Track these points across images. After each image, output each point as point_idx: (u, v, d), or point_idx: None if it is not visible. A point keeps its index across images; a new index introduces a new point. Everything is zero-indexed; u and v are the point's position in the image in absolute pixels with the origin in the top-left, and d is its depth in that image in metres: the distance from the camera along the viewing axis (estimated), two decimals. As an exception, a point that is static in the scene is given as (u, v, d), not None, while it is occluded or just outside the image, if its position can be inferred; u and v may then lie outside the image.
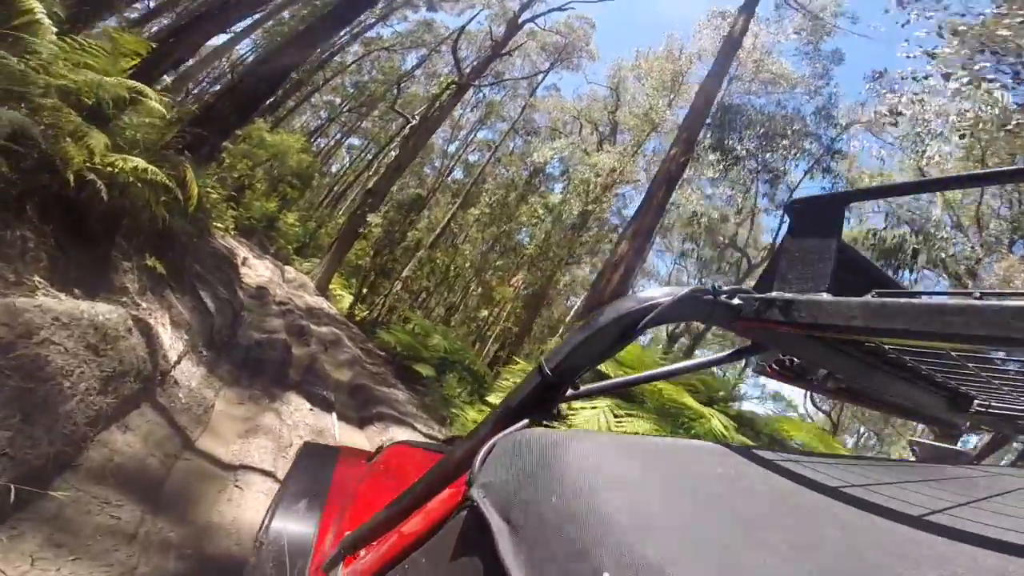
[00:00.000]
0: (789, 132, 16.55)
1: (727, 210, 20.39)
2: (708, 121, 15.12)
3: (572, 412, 6.51)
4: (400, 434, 6.31)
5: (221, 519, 3.73)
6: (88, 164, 4.27)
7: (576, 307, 28.53)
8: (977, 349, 0.66)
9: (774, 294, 0.63)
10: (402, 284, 22.91)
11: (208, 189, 10.34)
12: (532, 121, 32.50)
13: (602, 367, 6.82)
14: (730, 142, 16.46)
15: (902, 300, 0.52)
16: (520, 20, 27.10)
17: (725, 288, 0.65)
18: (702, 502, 0.50)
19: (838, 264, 0.64)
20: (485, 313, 26.75)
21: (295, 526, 1.57)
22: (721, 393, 8.37)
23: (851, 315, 0.55)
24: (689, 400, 6.92)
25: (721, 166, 16.75)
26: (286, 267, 19.91)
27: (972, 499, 0.76)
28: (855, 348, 0.72)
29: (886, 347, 0.70)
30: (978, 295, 0.49)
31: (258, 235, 22.23)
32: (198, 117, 8.43)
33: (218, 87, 21.44)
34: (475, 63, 27.66)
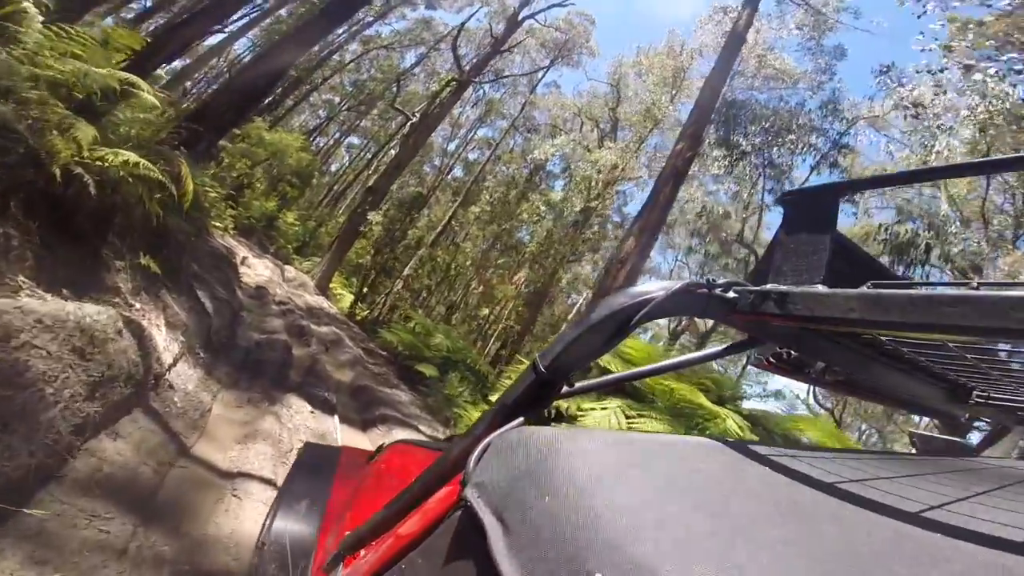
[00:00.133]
0: (794, 127, 16.34)
1: (733, 206, 20.23)
2: (713, 117, 14.92)
3: (582, 413, 6.36)
4: (403, 436, 6.14)
5: (218, 531, 3.54)
6: (76, 158, 4.08)
7: (579, 305, 28.47)
8: (975, 340, 0.65)
9: (769, 286, 0.62)
10: (403, 283, 22.76)
11: (206, 188, 10.16)
12: (532, 118, 32.45)
13: (603, 362, 6.64)
14: (735, 137, 16.26)
15: (899, 291, 0.51)
16: (520, 17, 27.01)
17: (720, 281, 0.64)
18: (697, 499, 0.48)
19: (833, 255, 0.64)
20: (486, 311, 26.65)
21: (297, 527, 1.58)
22: (731, 392, 8.19)
23: (847, 307, 0.54)
24: (703, 399, 6.76)
25: (727, 161, 16.56)
26: (286, 266, 19.71)
27: (972, 493, 0.75)
28: (852, 340, 0.71)
29: (883, 339, 0.70)
30: (976, 285, 0.50)
31: (257, 234, 22.05)
32: (194, 113, 8.23)
33: (216, 86, 21.28)
34: (475, 60, 27.50)
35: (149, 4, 17.70)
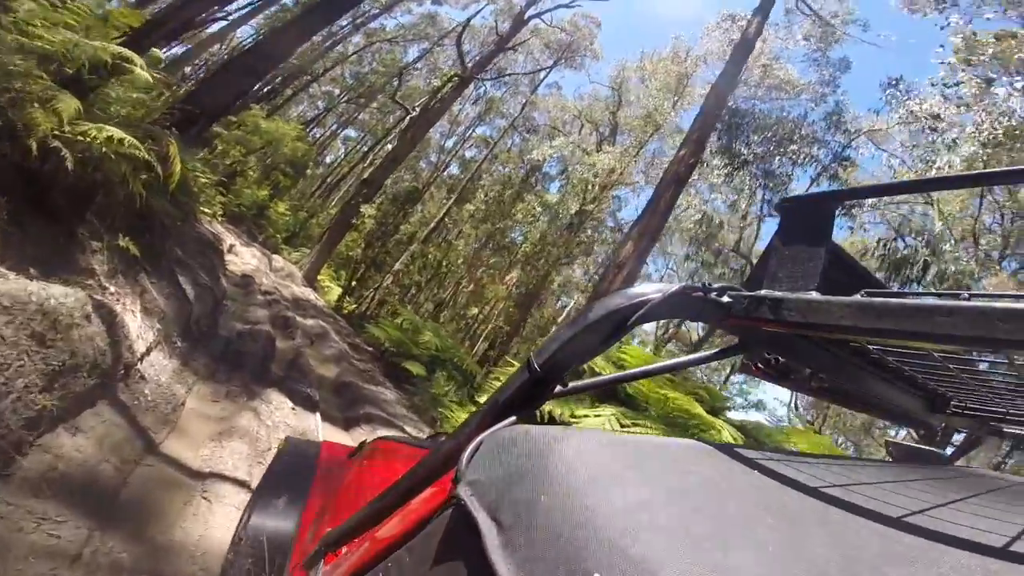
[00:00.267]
0: (797, 137, 16.27)
1: (728, 216, 20.13)
2: (716, 124, 14.81)
3: (576, 420, 6.19)
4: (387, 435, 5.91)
5: (185, 537, 3.30)
6: (56, 132, 3.81)
7: (569, 308, 28.35)
8: (959, 351, 0.68)
9: (764, 292, 0.63)
10: (393, 278, 22.51)
11: (197, 173, 9.86)
12: (532, 119, 32.43)
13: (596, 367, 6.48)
14: (737, 146, 16.16)
15: (891, 300, 0.52)
16: (526, 16, 26.84)
17: (715, 285, 0.64)
18: (690, 501, 0.49)
19: (828, 264, 0.64)
20: (475, 311, 26.50)
21: (275, 522, 1.55)
22: (727, 403, 8.06)
23: (840, 314, 0.54)
24: (699, 410, 6.63)
25: (727, 170, 16.46)
26: (274, 256, 19.35)
27: (950, 499, 0.77)
28: (841, 348, 0.72)
29: (870, 347, 0.72)
30: (966, 296, 0.50)
31: (247, 223, 21.67)
32: (190, 95, 7.96)
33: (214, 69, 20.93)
34: (478, 57, 27.30)
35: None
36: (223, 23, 21.22)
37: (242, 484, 3.90)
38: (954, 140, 10.82)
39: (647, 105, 25.21)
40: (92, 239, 4.42)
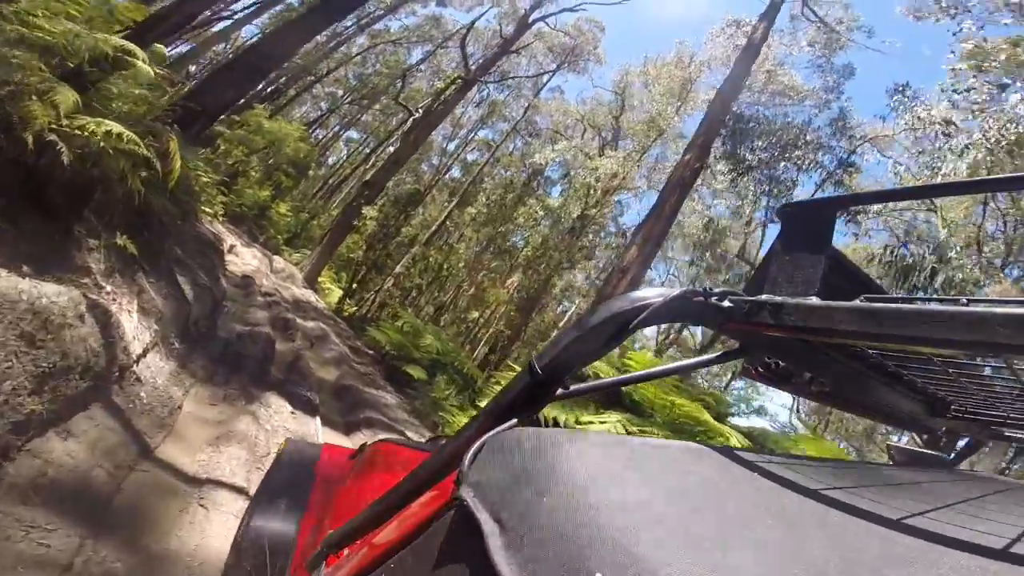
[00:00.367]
0: (801, 143, 16.18)
1: (734, 221, 20.05)
2: (721, 130, 14.73)
3: (581, 427, 6.06)
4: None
5: (180, 546, 3.19)
6: (53, 125, 3.71)
7: (570, 313, 28.22)
8: (958, 355, 0.69)
9: (764, 297, 0.63)
10: (394, 280, 22.40)
11: (199, 172, 9.75)
12: (534, 123, 32.34)
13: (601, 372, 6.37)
14: (742, 151, 16.07)
15: (891, 305, 0.52)
16: (530, 19, 26.80)
17: (716, 290, 0.65)
18: (690, 501, 0.49)
19: (828, 269, 0.65)
20: (476, 314, 26.40)
21: (276, 524, 1.55)
22: (731, 408, 7.95)
23: (840, 319, 0.55)
24: (706, 416, 6.52)
25: (732, 175, 16.37)
26: (275, 257, 19.22)
27: (951, 502, 0.77)
28: (841, 352, 0.73)
29: (870, 352, 0.73)
30: (965, 301, 0.50)
31: (248, 223, 21.56)
32: (192, 92, 7.86)
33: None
34: (481, 60, 27.26)
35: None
36: (227, 22, 21.20)
37: (240, 491, 3.79)
38: (967, 146, 10.71)
39: (650, 110, 25.16)
40: (89, 237, 4.31)
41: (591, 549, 0.39)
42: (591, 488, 0.46)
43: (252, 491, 3.73)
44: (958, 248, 12.73)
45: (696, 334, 22.71)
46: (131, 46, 4.34)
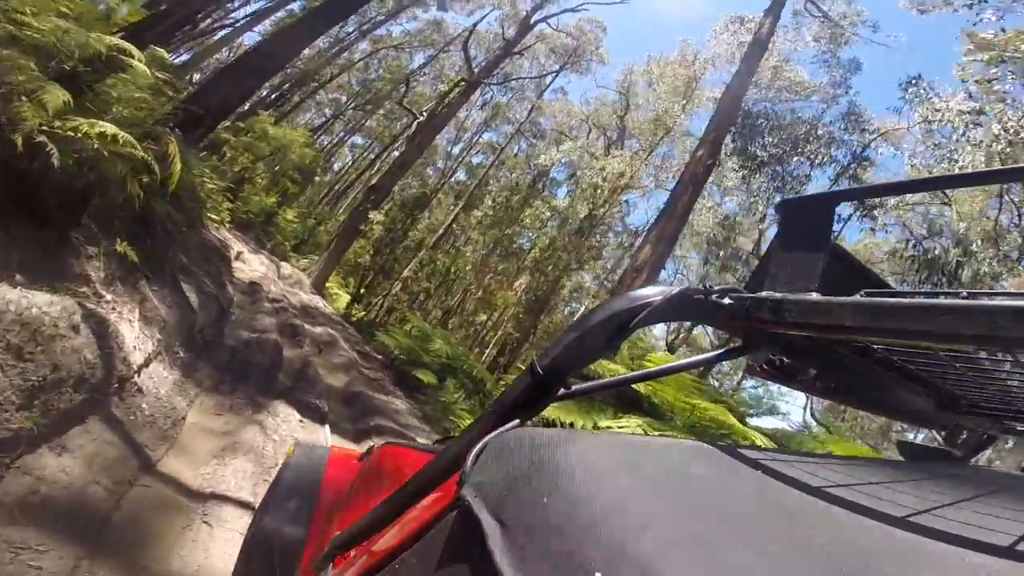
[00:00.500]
0: (812, 138, 15.96)
1: (746, 218, 19.84)
2: (731, 127, 14.55)
3: (599, 432, 5.86)
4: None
5: (183, 566, 3.02)
6: (44, 127, 3.56)
7: (579, 315, 27.98)
8: (965, 349, 0.66)
9: (765, 294, 0.63)
10: (402, 285, 22.25)
11: (204, 178, 9.65)
12: (538, 124, 32.28)
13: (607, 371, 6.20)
14: (753, 147, 15.86)
15: (891, 300, 0.52)
16: (532, 20, 26.71)
17: (717, 288, 0.65)
18: (693, 501, 0.49)
19: (828, 264, 0.64)
20: (483, 317, 26.26)
21: (285, 526, 1.55)
22: (750, 409, 7.76)
23: (841, 315, 0.54)
24: (731, 419, 6.30)
25: (743, 172, 16.17)
26: (282, 263, 19.14)
27: (959, 499, 0.75)
28: (844, 348, 0.72)
29: (875, 347, 0.71)
30: (966, 295, 0.50)
31: (255, 230, 21.54)
32: (194, 95, 7.72)
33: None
34: (484, 63, 27.18)
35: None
36: (228, 30, 21.19)
37: (246, 506, 3.62)
38: (996, 135, 10.45)
39: (657, 108, 25.06)
40: (88, 244, 4.16)
41: (593, 549, 0.38)
42: (593, 488, 0.45)
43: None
44: (979, 242, 12.47)
45: (708, 332, 22.49)
46: (126, 45, 4.19)
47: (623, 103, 28.20)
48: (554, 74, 30.27)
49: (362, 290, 22.30)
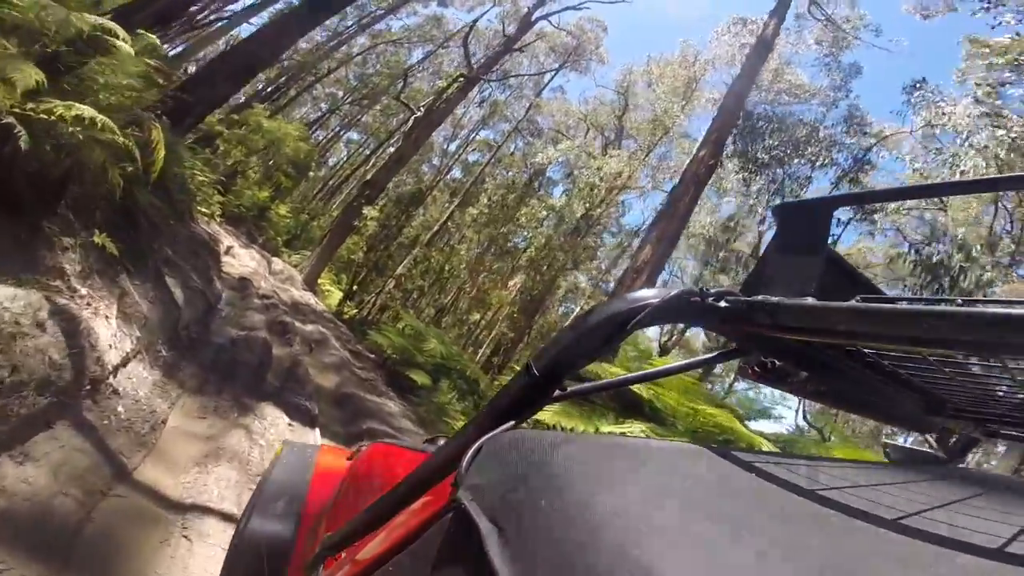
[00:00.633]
0: (813, 141, 15.85)
1: (749, 220, 19.76)
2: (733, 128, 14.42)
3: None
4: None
5: (158, 586, 2.78)
6: (16, 108, 3.30)
7: (574, 315, 27.84)
8: (952, 354, 0.68)
9: (760, 298, 0.63)
10: (395, 282, 21.99)
11: (195, 171, 9.37)
12: (536, 123, 32.14)
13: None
14: (754, 149, 15.73)
15: (885, 306, 0.52)
16: (533, 17, 26.51)
17: (713, 291, 0.64)
18: (689, 503, 0.50)
19: (824, 269, 0.65)
20: (477, 317, 26.10)
21: (273, 527, 1.52)
22: (750, 413, 7.61)
23: (835, 319, 0.55)
24: (737, 424, 6.13)
25: (744, 174, 16.03)
26: (274, 259, 18.80)
27: (947, 500, 0.77)
28: (837, 352, 0.73)
29: (866, 351, 0.72)
30: (959, 302, 0.53)
31: (247, 224, 21.19)
32: (184, 83, 7.44)
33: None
34: (484, 59, 26.97)
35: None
36: (225, 21, 20.86)
37: (229, 518, 3.37)
38: (1000, 141, 10.35)
39: (656, 108, 24.97)
40: (64, 235, 3.90)
41: (591, 552, 0.38)
42: (589, 490, 0.45)
43: (242, 518, 3.33)
44: (979, 247, 12.38)
45: (701, 335, 22.37)
46: (110, 24, 3.93)
47: (621, 103, 28.15)
48: (553, 72, 30.15)
49: (355, 287, 22.06)
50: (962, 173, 12.24)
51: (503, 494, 0.49)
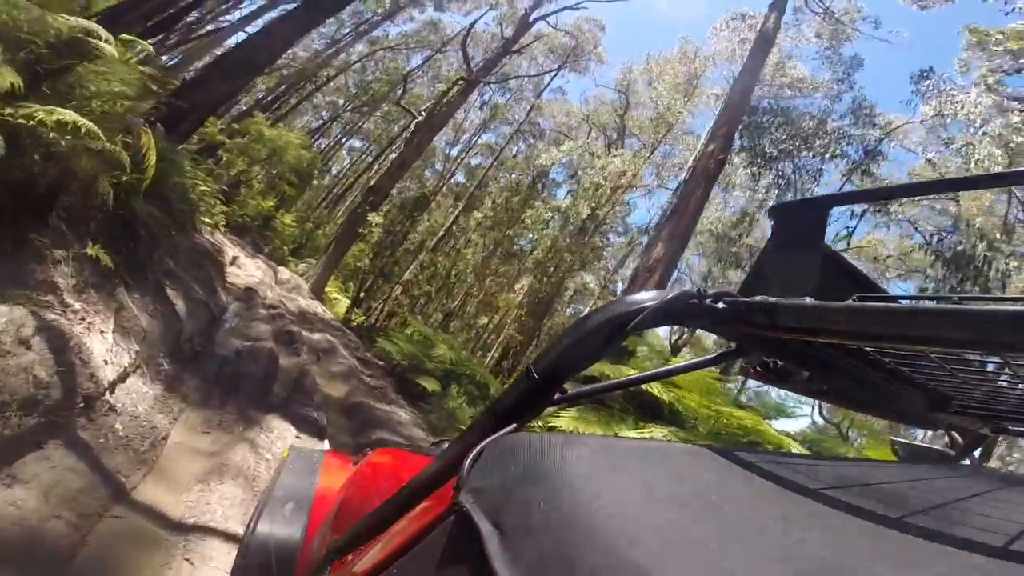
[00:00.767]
0: (822, 133, 15.65)
1: (758, 215, 19.58)
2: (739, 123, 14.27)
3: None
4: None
5: (158, 614, 2.62)
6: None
7: (576, 318, 27.63)
8: (954, 351, 0.67)
9: (758, 298, 0.63)
10: (402, 288, 21.84)
11: (197, 181, 9.26)
12: (537, 124, 32.09)
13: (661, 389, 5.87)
14: (762, 143, 15.53)
15: (882, 304, 0.52)
16: (531, 18, 26.45)
17: (711, 292, 0.64)
18: (689, 505, 0.49)
19: (821, 268, 0.66)
20: (485, 320, 25.94)
21: (282, 530, 1.51)
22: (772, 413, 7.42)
23: (833, 319, 0.55)
24: (764, 426, 5.93)
25: (752, 169, 15.84)
26: (280, 268, 18.71)
27: (953, 498, 0.77)
28: (837, 351, 0.73)
29: (867, 350, 0.72)
30: (956, 300, 0.56)
31: (252, 234, 21.15)
32: (179, 89, 7.32)
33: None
34: (483, 62, 26.90)
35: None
36: (221, 28, 20.86)
37: (233, 539, 3.20)
38: (1019, 128, 10.17)
39: (659, 105, 24.87)
40: (56, 247, 3.76)
41: (590, 554, 0.38)
42: (590, 492, 0.45)
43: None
44: (998, 235, 12.15)
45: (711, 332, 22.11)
46: (91, 25, 3.77)
47: (623, 102, 28.02)
48: (553, 73, 30.07)
49: (362, 294, 21.90)
50: (976, 162, 12.06)
51: (504, 497, 0.50)
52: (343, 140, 38.76)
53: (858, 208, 14.01)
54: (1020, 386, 0.80)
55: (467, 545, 0.48)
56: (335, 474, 1.83)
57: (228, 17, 21.41)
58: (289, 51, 24.27)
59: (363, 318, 20.22)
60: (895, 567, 0.44)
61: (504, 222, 24.88)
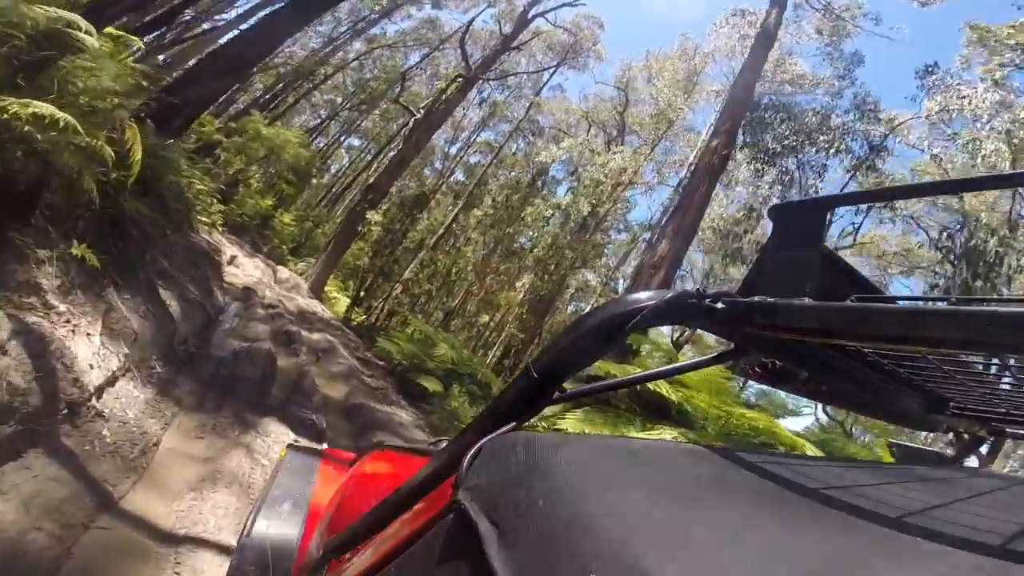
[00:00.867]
0: (825, 128, 15.53)
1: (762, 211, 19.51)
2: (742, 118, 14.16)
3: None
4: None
5: (145, 632, 2.48)
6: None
7: (576, 317, 27.50)
8: (952, 352, 0.67)
9: (757, 299, 0.63)
10: (402, 287, 21.69)
11: (193, 180, 9.11)
12: (536, 122, 32.03)
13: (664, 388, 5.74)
14: (765, 139, 15.41)
15: (880, 305, 0.52)
16: (530, 15, 26.30)
17: (710, 292, 0.65)
18: (687, 503, 0.50)
19: (820, 269, 0.65)
20: (486, 319, 25.83)
21: (279, 529, 1.51)
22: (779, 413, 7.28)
23: (831, 320, 0.55)
24: (779, 428, 5.81)
25: (756, 165, 15.71)
26: (279, 267, 18.56)
27: (950, 499, 0.78)
28: (836, 351, 0.73)
29: (865, 351, 0.72)
30: (953, 301, 0.55)
31: (251, 233, 21.02)
32: (171, 85, 7.16)
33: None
34: (481, 60, 26.75)
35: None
36: (216, 27, 20.72)
37: (226, 551, 3.06)
38: (1008, 130, 10.09)
39: (659, 102, 24.78)
40: (39, 247, 3.61)
41: (586, 551, 0.38)
42: (588, 491, 0.45)
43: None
44: (1007, 231, 12.04)
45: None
46: (72, 16, 3.60)
47: (622, 99, 27.90)
48: (551, 70, 29.93)
49: (362, 293, 21.76)
50: (983, 158, 11.96)
51: (502, 495, 0.50)
52: (342, 138, 38.65)
53: (863, 205, 13.90)
54: (1017, 387, 0.80)
55: (465, 543, 0.48)
56: (333, 473, 1.84)
57: (224, 15, 21.28)
58: (286, 49, 24.20)
59: (363, 317, 20.08)
60: (893, 567, 0.44)
61: (504, 220, 24.75)
